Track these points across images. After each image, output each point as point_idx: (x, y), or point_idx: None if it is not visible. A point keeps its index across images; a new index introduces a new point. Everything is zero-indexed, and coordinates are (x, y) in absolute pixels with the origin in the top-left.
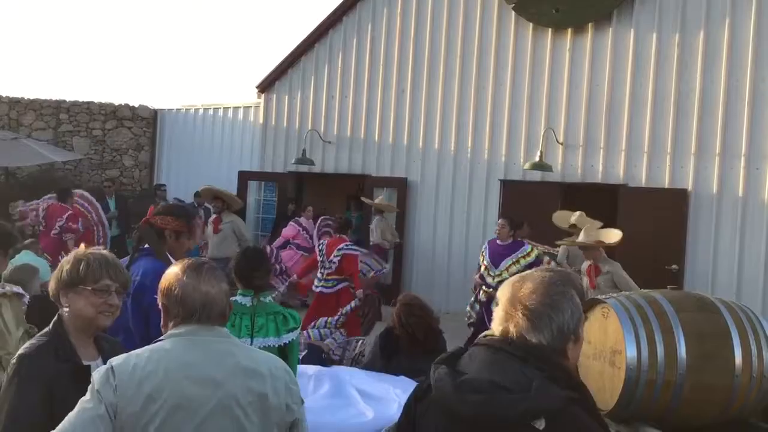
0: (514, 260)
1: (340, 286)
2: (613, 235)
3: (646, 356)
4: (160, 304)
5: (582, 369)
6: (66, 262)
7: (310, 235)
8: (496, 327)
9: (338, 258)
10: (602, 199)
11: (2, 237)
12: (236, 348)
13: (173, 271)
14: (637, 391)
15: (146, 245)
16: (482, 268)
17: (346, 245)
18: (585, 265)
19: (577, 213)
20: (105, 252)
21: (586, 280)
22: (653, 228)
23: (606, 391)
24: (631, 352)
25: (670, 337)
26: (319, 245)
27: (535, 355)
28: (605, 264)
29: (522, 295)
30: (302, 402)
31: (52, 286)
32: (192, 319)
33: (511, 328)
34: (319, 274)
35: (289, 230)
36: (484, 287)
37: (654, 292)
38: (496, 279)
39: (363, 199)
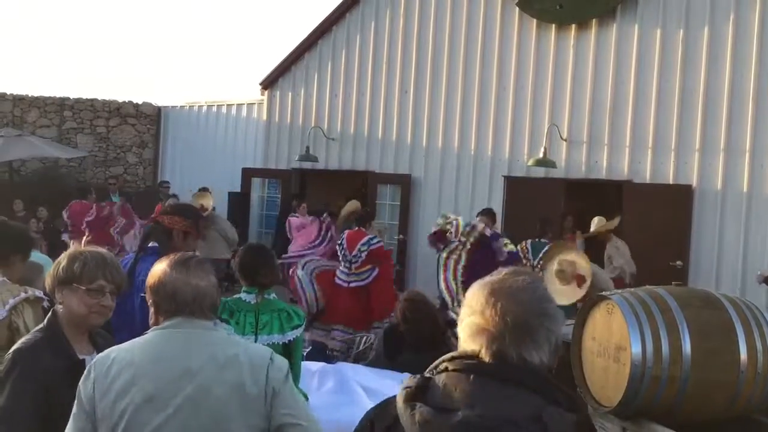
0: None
1: (374, 273)
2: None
3: (651, 352)
4: (149, 301)
5: (586, 365)
6: (63, 258)
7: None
8: (468, 343)
9: (365, 252)
10: (606, 196)
11: (22, 240)
12: (218, 338)
13: (160, 267)
14: (641, 387)
15: (151, 244)
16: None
17: (369, 239)
18: None
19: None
20: (103, 251)
21: None
22: (658, 224)
23: (610, 388)
24: (636, 349)
25: (675, 334)
26: (339, 240)
27: (536, 378)
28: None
29: (506, 303)
30: (301, 396)
31: (48, 282)
32: (183, 313)
33: (494, 345)
34: (344, 269)
35: (295, 222)
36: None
37: (658, 288)
38: None
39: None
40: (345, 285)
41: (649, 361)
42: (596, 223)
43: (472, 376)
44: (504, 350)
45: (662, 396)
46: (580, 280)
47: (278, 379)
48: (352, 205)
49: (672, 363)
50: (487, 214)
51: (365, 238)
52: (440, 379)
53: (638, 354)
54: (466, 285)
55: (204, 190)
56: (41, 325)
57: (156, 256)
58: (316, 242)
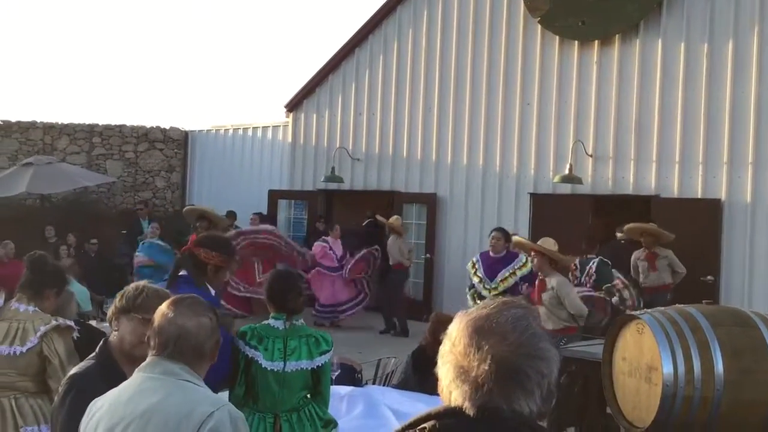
0: (511, 271)
1: None
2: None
3: (683, 372)
4: (145, 338)
5: (617, 386)
6: (128, 290)
7: (337, 255)
8: (451, 387)
9: None
10: (634, 211)
11: (58, 277)
12: (170, 388)
13: (161, 305)
14: (674, 408)
15: (184, 272)
16: (476, 282)
17: None
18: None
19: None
20: (162, 288)
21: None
22: (687, 239)
23: (642, 408)
24: (668, 369)
25: (707, 353)
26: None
27: (526, 430)
28: (552, 277)
29: (491, 345)
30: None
31: (111, 310)
32: (162, 354)
33: (478, 397)
34: None
35: (316, 249)
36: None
37: (689, 307)
38: (492, 292)
39: (377, 217)
40: None
41: (681, 381)
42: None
43: None
44: (489, 403)
45: (695, 416)
46: (539, 256)
47: None
48: (397, 220)
49: (704, 383)
50: (500, 230)
51: None
52: None
53: (670, 374)
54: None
55: (231, 213)
56: (93, 354)
57: (189, 284)
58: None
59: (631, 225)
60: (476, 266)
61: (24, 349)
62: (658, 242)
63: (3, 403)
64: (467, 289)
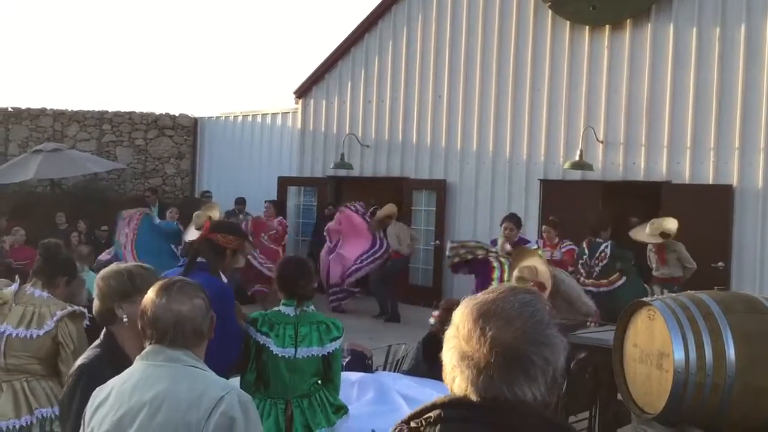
0: None
1: None
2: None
3: (694, 359)
4: (139, 326)
5: (629, 372)
6: (107, 278)
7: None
8: (454, 371)
9: None
10: (644, 197)
11: (69, 267)
12: (177, 374)
13: (149, 293)
14: (685, 394)
15: (199, 260)
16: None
17: None
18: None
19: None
20: (144, 265)
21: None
22: (698, 225)
23: (654, 395)
24: (679, 355)
25: (719, 339)
26: None
27: (530, 419)
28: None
29: (495, 330)
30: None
31: (100, 304)
32: (162, 341)
33: (480, 382)
34: None
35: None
36: None
37: (701, 293)
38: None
39: (377, 212)
40: None
41: (692, 368)
42: (650, 229)
43: (460, 426)
44: (492, 388)
45: (707, 403)
46: (540, 287)
47: (223, 426)
48: (390, 208)
49: (716, 369)
50: (512, 219)
51: None
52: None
53: (681, 360)
54: None
55: (240, 200)
56: (97, 342)
57: (204, 272)
58: (376, 250)
59: (636, 232)
60: None
61: (41, 332)
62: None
63: (15, 386)
64: None
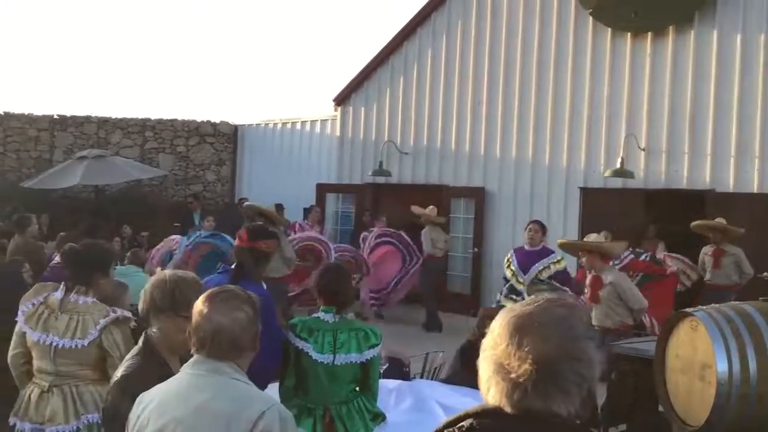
0: (545, 266)
1: None
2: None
3: (738, 370)
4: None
5: (670, 383)
6: (153, 286)
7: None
8: (489, 382)
9: None
10: (687, 206)
11: (100, 258)
12: (218, 385)
13: (198, 301)
14: (729, 406)
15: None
16: (509, 275)
17: None
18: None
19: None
20: (190, 274)
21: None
22: (743, 234)
23: (696, 407)
24: (722, 367)
25: (763, 351)
26: None
27: None
28: (607, 273)
29: (532, 343)
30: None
31: (141, 307)
32: (202, 351)
33: (515, 395)
34: None
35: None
36: (512, 297)
37: (745, 304)
38: (526, 285)
39: (413, 209)
40: None
41: (735, 380)
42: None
43: None
44: (526, 401)
45: (751, 416)
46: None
47: None
48: (432, 211)
49: (760, 381)
50: (537, 222)
51: None
52: None
53: (724, 372)
54: None
55: (279, 206)
56: (136, 350)
57: (248, 281)
58: (401, 276)
59: (699, 222)
60: (510, 260)
61: (85, 342)
62: (727, 239)
63: (64, 390)
64: (504, 282)
